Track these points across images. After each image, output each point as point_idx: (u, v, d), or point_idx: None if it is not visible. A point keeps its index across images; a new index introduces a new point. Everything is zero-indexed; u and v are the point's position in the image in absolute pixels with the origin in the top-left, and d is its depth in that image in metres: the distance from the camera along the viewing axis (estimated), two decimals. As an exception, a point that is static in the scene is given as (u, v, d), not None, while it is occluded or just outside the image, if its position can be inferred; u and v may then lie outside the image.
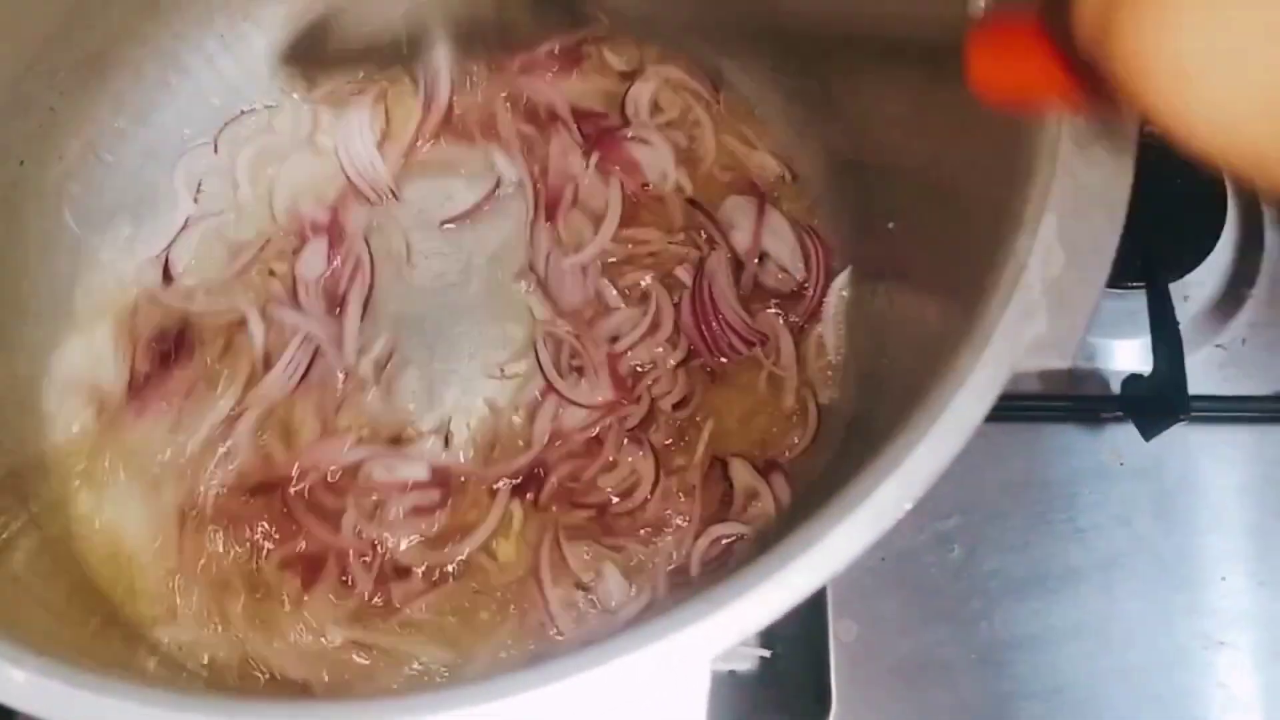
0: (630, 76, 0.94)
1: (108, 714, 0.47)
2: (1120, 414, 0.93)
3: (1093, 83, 0.39)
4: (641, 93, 0.93)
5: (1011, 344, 0.50)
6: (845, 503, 0.48)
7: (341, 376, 0.86)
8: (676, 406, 0.85)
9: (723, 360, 0.86)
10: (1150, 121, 0.38)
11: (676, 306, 0.87)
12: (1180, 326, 0.90)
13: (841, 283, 0.86)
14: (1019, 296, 0.50)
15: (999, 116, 0.55)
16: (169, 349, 0.86)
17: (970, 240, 0.58)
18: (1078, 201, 0.51)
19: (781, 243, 0.89)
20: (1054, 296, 0.50)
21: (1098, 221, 0.50)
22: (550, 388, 0.85)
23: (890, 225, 0.78)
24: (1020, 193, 0.53)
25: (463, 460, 0.85)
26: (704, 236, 0.89)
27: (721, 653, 0.47)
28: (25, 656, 0.48)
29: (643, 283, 0.88)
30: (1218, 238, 0.97)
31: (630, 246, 0.89)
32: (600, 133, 0.92)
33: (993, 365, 0.49)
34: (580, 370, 0.85)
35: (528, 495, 0.83)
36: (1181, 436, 0.92)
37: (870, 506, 0.48)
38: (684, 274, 0.88)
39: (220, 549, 0.82)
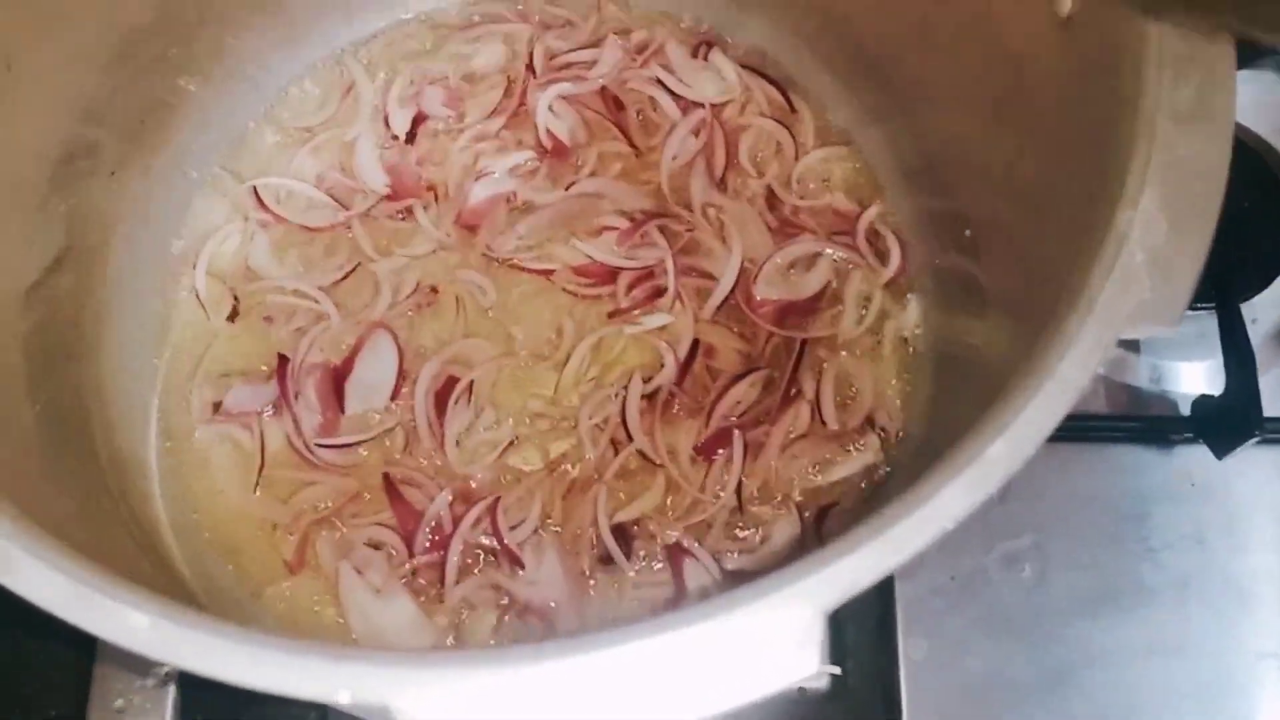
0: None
1: (231, 659, 0.47)
2: (1190, 435, 0.93)
3: None
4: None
5: (1115, 309, 0.50)
6: (956, 462, 0.49)
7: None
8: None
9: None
10: None
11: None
12: (1250, 347, 0.90)
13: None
14: (1122, 264, 0.51)
15: (1088, 104, 0.57)
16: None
17: (1057, 231, 0.60)
18: (1177, 173, 0.52)
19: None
20: (1157, 264, 0.51)
21: (1198, 191, 0.51)
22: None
23: (967, 233, 0.79)
24: (1116, 171, 0.54)
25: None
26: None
27: (833, 606, 0.47)
28: (148, 602, 0.49)
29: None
30: (1287, 259, 0.97)
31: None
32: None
33: (1098, 329, 0.50)
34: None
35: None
36: (1250, 458, 0.92)
37: (981, 465, 0.48)
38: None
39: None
